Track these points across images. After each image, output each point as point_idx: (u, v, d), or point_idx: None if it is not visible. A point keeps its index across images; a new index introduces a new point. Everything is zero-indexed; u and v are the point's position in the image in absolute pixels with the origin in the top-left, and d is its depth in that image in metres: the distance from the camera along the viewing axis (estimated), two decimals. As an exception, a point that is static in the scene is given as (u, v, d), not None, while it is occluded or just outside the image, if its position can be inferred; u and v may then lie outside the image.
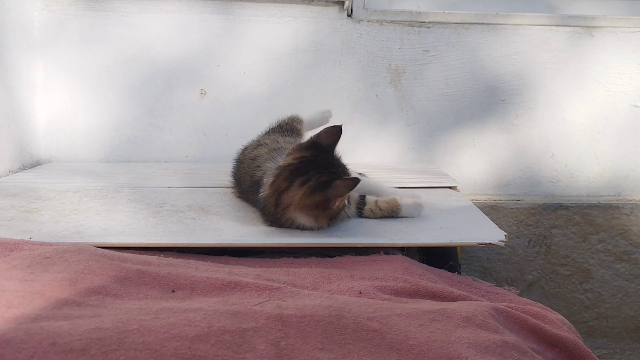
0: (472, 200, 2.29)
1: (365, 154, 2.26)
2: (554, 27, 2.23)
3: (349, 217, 1.42)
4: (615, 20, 2.23)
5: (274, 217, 1.36)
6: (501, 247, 2.26)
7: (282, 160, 1.37)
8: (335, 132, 1.38)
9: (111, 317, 0.94)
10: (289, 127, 1.78)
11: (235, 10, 2.15)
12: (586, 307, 2.34)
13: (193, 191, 1.70)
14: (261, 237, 1.32)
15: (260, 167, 1.42)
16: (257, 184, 1.41)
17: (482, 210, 2.27)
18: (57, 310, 0.95)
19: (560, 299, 2.33)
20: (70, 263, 1.10)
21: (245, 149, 1.66)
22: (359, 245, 1.31)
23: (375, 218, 1.47)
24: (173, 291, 1.09)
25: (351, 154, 2.24)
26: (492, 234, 1.36)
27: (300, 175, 1.30)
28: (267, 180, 1.36)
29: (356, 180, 1.27)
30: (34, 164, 2.11)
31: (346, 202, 1.35)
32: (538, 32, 2.23)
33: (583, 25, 2.23)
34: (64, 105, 2.16)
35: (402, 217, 1.48)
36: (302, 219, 1.33)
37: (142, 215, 1.44)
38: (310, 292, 1.12)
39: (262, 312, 1.00)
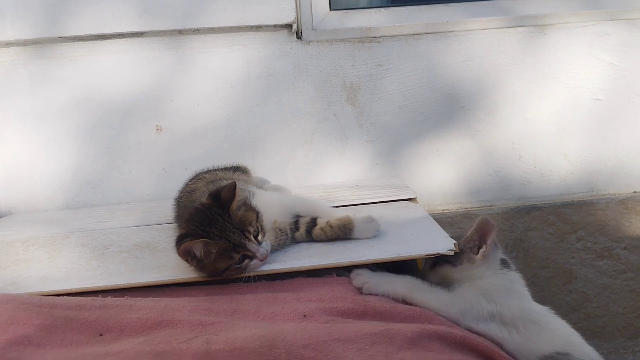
0: (443, 209, 2.26)
1: (329, 174, 2.22)
2: (505, 29, 2.22)
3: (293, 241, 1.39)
4: (567, 16, 2.22)
5: None
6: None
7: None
8: (230, 190, 1.28)
9: (26, 369, 0.91)
10: (234, 167, 1.76)
11: (183, 44, 2.14)
12: (573, 308, 2.28)
13: (145, 229, 1.67)
14: (202, 270, 1.27)
15: (196, 200, 1.39)
16: None
17: (453, 219, 2.25)
18: (-29, 368, 0.92)
19: (544, 302, 2.21)
20: None
21: (185, 184, 1.63)
22: (303, 269, 1.27)
23: (327, 239, 1.41)
24: (101, 335, 1.05)
25: (314, 175, 2.22)
26: (442, 243, 1.31)
27: (185, 223, 1.30)
28: None
29: (181, 244, 1.22)
30: (-7, 218, 2.08)
31: (244, 271, 1.28)
32: (490, 35, 2.22)
33: (535, 24, 2.22)
34: (20, 155, 2.14)
35: (355, 238, 1.40)
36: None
37: (84, 259, 1.40)
38: (246, 324, 1.08)
39: (188, 349, 0.96)
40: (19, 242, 1.61)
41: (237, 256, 1.24)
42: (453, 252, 1.28)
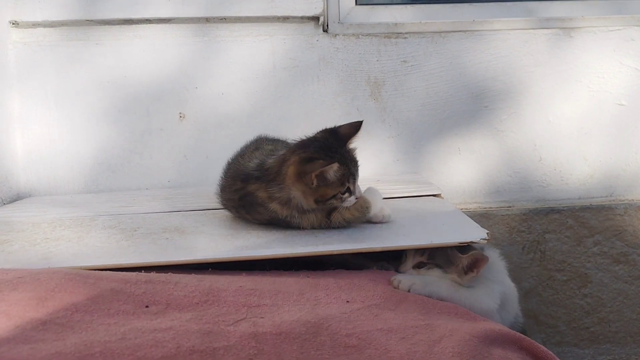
0: (461, 209, 2.25)
1: (350, 169, 2.22)
2: (532, 31, 2.22)
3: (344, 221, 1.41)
4: (593, 20, 2.23)
5: (277, 186, 1.37)
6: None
7: None
8: (354, 126, 1.40)
9: (75, 339, 0.91)
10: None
11: (210, 31, 2.14)
12: (587, 312, 2.27)
13: (170, 215, 1.66)
14: (235, 251, 1.28)
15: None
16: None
17: (472, 219, 2.25)
18: (20, 331, 0.92)
19: (559, 305, 2.27)
20: (42, 282, 1.07)
21: (242, 155, 1.63)
22: (336, 252, 1.27)
23: (345, 222, 1.41)
24: (147, 306, 1.05)
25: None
26: (474, 233, 1.33)
27: (302, 149, 1.36)
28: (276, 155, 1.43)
29: (330, 162, 1.28)
30: (13, 199, 2.07)
31: (342, 202, 1.35)
32: (517, 36, 2.22)
33: (561, 26, 2.22)
34: (42, 137, 2.14)
35: (371, 220, 1.44)
36: (295, 191, 1.35)
37: (114, 239, 1.40)
38: (291, 308, 1.09)
39: (235, 331, 0.97)
40: (45, 223, 1.60)
41: (347, 185, 1.32)
42: (486, 240, 1.28)
